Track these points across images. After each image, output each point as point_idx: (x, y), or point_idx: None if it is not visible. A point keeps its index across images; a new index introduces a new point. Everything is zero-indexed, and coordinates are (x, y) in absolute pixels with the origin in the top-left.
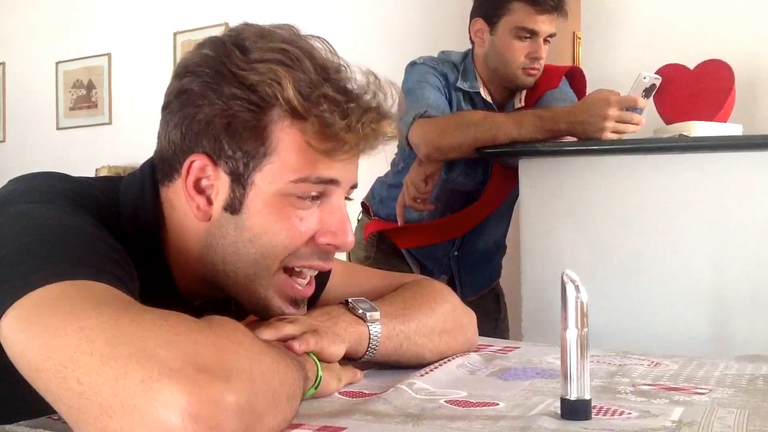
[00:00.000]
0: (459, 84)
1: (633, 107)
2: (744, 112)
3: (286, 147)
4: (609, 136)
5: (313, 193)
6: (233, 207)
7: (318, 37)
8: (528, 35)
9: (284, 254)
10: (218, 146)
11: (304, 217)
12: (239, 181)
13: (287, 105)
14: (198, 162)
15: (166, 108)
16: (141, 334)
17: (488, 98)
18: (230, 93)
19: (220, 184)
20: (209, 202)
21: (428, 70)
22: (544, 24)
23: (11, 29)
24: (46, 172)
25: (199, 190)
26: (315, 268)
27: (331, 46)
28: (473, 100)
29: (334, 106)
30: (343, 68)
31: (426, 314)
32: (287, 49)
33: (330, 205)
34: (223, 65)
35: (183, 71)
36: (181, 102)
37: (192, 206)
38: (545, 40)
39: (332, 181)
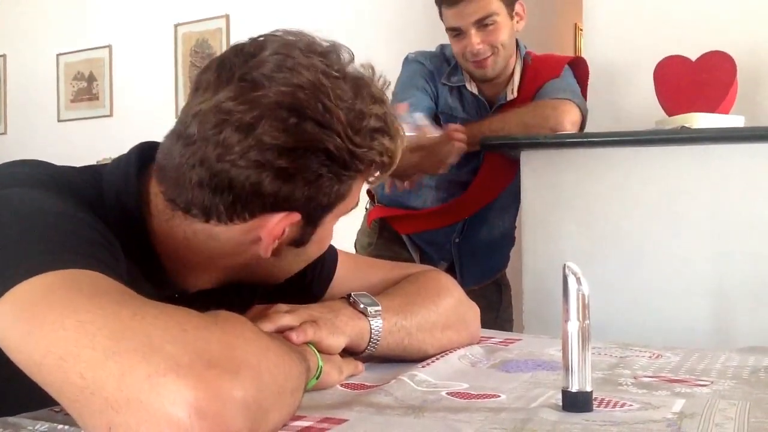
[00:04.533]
0: (444, 80)
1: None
2: (746, 103)
3: (356, 190)
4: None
5: None
6: (301, 242)
7: (347, 49)
8: (456, 33)
9: None
10: (312, 204)
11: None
12: (312, 223)
13: (379, 168)
14: (291, 219)
15: (243, 157)
16: (145, 328)
17: (475, 91)
18: (337, 161)
19: (294, 225)
20: (277, 239)
21: (417, 70)
22: (458, 18)
23: (12, 21)
24: (22, 160)
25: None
26: None
27: (352, 54)
28: (462, 93)
29: (392, 155)
30: (385, 94)
31: (429, 309)
32: (387, 114)
33: None
34: (336, 137)
35: (275, 139)
36: (271, 162)
37: (262, 246)
38: (483, 26)
39: None
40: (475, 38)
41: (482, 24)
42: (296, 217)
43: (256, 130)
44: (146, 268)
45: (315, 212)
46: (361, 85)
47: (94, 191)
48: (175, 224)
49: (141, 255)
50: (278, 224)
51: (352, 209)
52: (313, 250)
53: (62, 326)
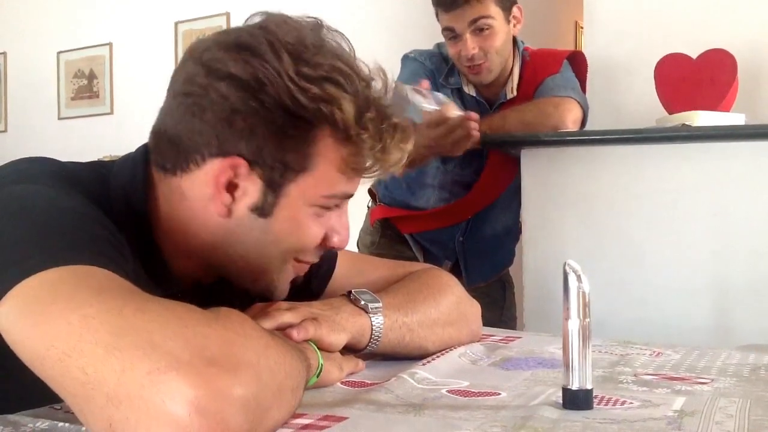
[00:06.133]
0: (442, 81)
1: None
2: (747, 101)
3: (327, 164)
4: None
5: (335, 204)
6: (263, 211)
7: (338, 32)
8: (451, 35)
9: (300, 253)
10: (258, 153)
11: (322, 222)
12: (273, 188)
13: (342, 126)
14: (233, 163)
15: (190, 95)
16: (147, 324)
17: (473, 93)
18: (280, 104)
19: (249, 185)
20: (233, 199)
21: (417, 68)
22: (455, 20)
23: (13, 19)
24: (31, 157)
25: (227, 187)
26: (311, 262)
27: (348, 43)
28: (462, 93)
29: (375, 131)
30: (372, 79)
31: (430, 306)
32: (342, 68)
33: (340, 210)
34: (277, 76)
35: (218, 69)
36: (215, 100)
37: (216, 202)
38: (478, 30)
39: (349, 195)
40: (471, 43)
41: (478, 28)
42: (239, 162)
43: (202, 58)
44: (149, 264)
45: (267, 165)
46: (339, 54)
47: (102, 187)
48: (162, 195)
49: (145, 250)
50: (222, 168)
51: (327, 198)
52: (283, 232)
53: (67, 321)
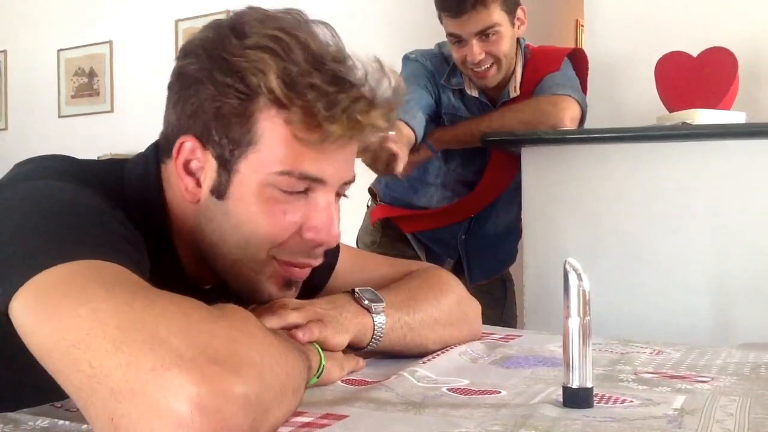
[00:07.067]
0: (443, 82)
1: None
2: (747, 100)
3: (272, 137)
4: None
5: (299, 189)
6: (219, 192)
7: (323, 23)
8: (456, 40)
9: (269, 244)
10: (207, 131)
11: (288, 210)
12: (225, 167)
13: (270, 94)
14: (188, 144)
15: (169, 87)
16: (154, 320)
17: (475, 94)
18: (221, 80)
19: (208, 167)
20: (198, 184)
21: (418, 68)
22: (461, 27)
23: (13, 17)
24: (49, 155)
25: (189, 171)
26: (300, 265)
27: (334, 33)
28: (463, 94)
29: (320, 96)
30: (341, 58)
31: (431, 305)
32: (280, 37)
33: (316, 201)
34: (218, 50)
35: (183, 52)
36: (179, 83)
37: (181, 186)
38: (485, 35)
39: (317, 180)
40: (477, 48)
41: (484, 34)
42: (192, 142)
43: (185, 45)
44: (164, 262)
45: (216, 143)
46: (286, 27)
47: (118, 185)
48: (168, 190)
49: (160, 249)
50: (177, 149)
51: (281, 176)
52: (240, 213)
53: (76, 314)
